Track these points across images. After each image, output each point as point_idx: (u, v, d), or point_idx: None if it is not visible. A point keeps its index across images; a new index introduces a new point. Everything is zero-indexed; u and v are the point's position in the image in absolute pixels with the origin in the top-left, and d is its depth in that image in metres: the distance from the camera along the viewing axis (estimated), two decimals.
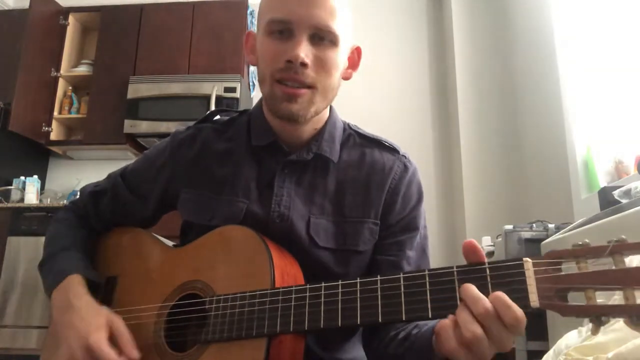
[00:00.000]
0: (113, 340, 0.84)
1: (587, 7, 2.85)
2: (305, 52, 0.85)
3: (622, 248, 0.54)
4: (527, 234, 2.28)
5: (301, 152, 0.96)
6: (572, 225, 1.89)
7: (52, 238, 1.04)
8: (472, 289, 0.62)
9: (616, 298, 0.55)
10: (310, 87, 0.88)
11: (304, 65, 0.85)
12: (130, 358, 0.82)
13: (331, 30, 0.87)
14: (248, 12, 3.96)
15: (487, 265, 0.64)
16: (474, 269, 0.64)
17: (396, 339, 0.87)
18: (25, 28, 3.83)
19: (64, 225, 1.06)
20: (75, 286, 0.92)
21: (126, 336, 0.85)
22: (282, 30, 0.87)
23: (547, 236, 2.16)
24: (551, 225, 2.27)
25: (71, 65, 4.24)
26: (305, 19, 0.85)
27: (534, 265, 0.60)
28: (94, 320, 0.85)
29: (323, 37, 0.87)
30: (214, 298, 0.82)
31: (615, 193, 1.82)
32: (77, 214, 1.08)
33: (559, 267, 0.59)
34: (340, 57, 0.91)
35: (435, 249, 3.68)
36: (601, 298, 0.54)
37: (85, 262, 0.99)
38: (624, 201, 1.72)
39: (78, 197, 1.12)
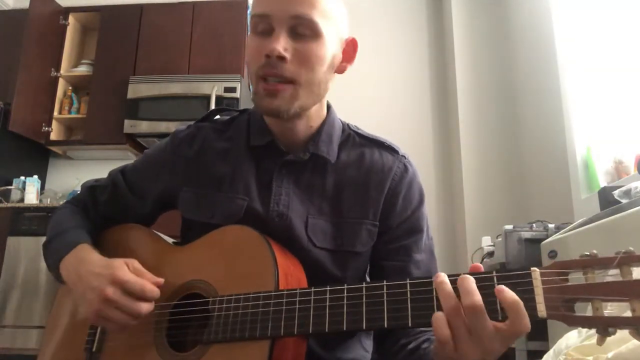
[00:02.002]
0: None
1: (587, 7, 2.85)
2: (283, 45, 0.85)
3: (629, 260, 0.55)
4: (527, 234, 2.28)
5: (298, 152, 0.96)
6: (572, 225, 1.90)
7: (58, 221, 1.03)
8: (447, 286, 0.65)
9: (622, 309, 0.55)
10: (292, 82, 0.87)
11: (281, 59, 0.84)
12: (157, 283, 0.85)
13: (311, 19, 0.85)
14: (248, 12, 3.95)
15: (495, 274, 0.64)
16: (483, 277, 0.64)
17: (406, 348, 0.87)
18: (25, 28, 3.82)
19: (68, 211, 1.06)
20: (85, 249, 0.93)
21: (145, 270, 0.87)
22: (264, 26, 0.87)
23: (547, 236, 2.16)
24: (551, 225, 2.28)
25: (71, 65, 4.23)
26: (282, 11, 0.85)
27: (542, 275, 0.61)
28: (112, 263, 0.87)
29: (304, 30, 0.86)
30: (218, 298, 0.82)
31: (615, 193, 1.83)
32: (78, 206, 1.09)
33: (567, 277, 0.59)
34: (325, 50, 0.89)
35: (435, 249, 3.67)
36: (608, 309, 0.55)
37: (91, 241, 0.99)
38: (624, 201, 1.73)
39: (79, 192, 1.12)
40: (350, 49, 0.97)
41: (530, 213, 3.15)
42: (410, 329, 0.88)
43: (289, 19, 0.85)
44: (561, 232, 1.98)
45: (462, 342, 0.63)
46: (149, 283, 0.84)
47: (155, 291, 0.84)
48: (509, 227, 2.33)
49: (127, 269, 0.85)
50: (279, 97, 0.87)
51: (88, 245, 0.95)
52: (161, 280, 0.86)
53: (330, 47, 0.90)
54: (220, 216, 0.94)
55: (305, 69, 0.87)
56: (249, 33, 0.95)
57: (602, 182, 2.57)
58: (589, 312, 0.56)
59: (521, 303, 0.60)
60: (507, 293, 0.61)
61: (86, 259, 0.90)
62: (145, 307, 0.83)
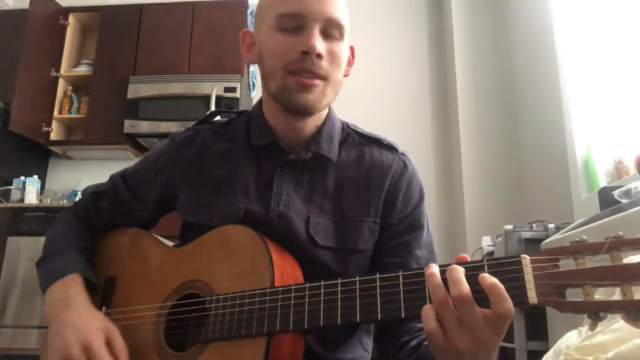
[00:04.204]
0: (108, 346, 0.84)
1: (587, 7, 2.85)
2: (322, 44, 0.87)
3: (619, 244, 0.55)
4: (527, 234, 2.28)
5: (300, 151, 0.96)
6: (572, 225, 1.90)
7: (52, 238, 1.04)
8: (436, 277, 0.64)
9: (614, 294, 0.55)
10: (324, 78, 0.89)
11: (319, 56, 0.86)
12: None
13: (340, 23, 0.89)
14: (248, 12, 3.96)
15: (485, 263, 0.64)
16: (473, 266, 0.64)
17: (408, 345, 0.87)
18: (25, 28, 3.83)
19: (64, 225, 1.07)
20: (74, 285, 0.93)
21: (123, 345, 0.85)
22: (293, 24, 0.87)
23: (547, 236, 2.16)
24: (551, 225, 2.28)
25: (71, 65, 4.24)
26: (317, 12, 0.87)
27: (532, 261, 0.60)
28: (92, 322, 0.86)
29: (332, 31, 0.89)
30: (214, 297, 0.82)
31: (615, 193, 1.82)
32: (78, 214, 1.10)
33: (557, 263, 0.59)
34: (345, 51, 0.93)
35: (435, 249, 3.67)
36: (599, 294, 0.54)
37: (84, 263, 0.99)
38: (624, 201, 1.72)
39: (80, 198, 1.13)
40: (352, 55, 1.01)
41: (530, 213, 3.15)
42: (411, 326, 0.89)
43: (323, 20, 0.88)
44: (561, 232, 1.98)
45: (452, 332, 0.62)
46: None
47: None
48: (509, 227, 2.33)
49: (101, 340, 0.84)
50: (313, 92, 0.88)
51: (78, 277, 0.94)
52: None
53: (345, 51, 0.94)
54: (219, 219, 0.94)
55: (333, 68, 0.90)
56: (248, 29, 0.97)
57: (602, 182, 2.56)
58: (580, 298, 0.56)
59: (501, 286, 0.60)
60: (487, 278, 0.61)
61: (71, 301, 0.89)
62: None
